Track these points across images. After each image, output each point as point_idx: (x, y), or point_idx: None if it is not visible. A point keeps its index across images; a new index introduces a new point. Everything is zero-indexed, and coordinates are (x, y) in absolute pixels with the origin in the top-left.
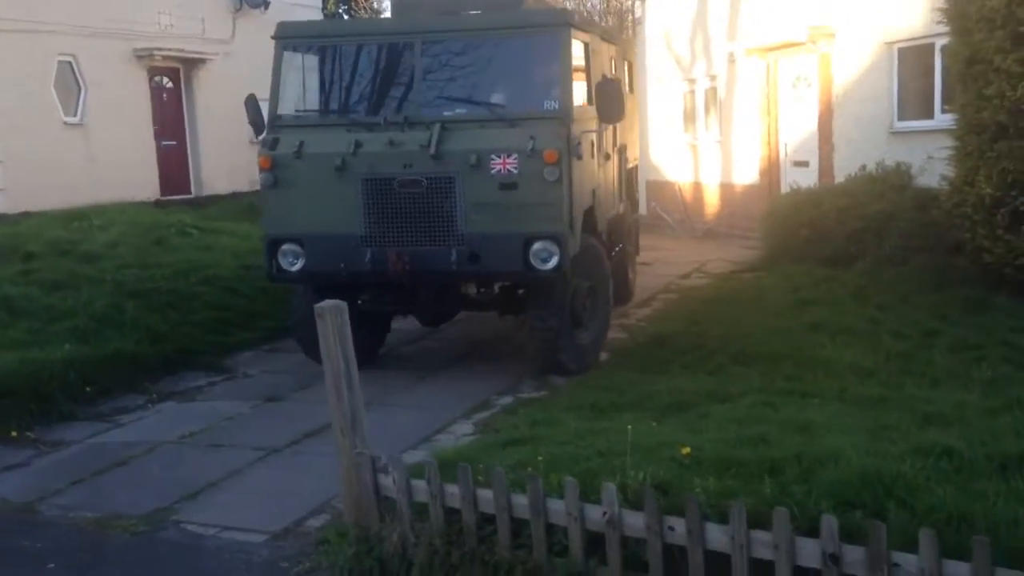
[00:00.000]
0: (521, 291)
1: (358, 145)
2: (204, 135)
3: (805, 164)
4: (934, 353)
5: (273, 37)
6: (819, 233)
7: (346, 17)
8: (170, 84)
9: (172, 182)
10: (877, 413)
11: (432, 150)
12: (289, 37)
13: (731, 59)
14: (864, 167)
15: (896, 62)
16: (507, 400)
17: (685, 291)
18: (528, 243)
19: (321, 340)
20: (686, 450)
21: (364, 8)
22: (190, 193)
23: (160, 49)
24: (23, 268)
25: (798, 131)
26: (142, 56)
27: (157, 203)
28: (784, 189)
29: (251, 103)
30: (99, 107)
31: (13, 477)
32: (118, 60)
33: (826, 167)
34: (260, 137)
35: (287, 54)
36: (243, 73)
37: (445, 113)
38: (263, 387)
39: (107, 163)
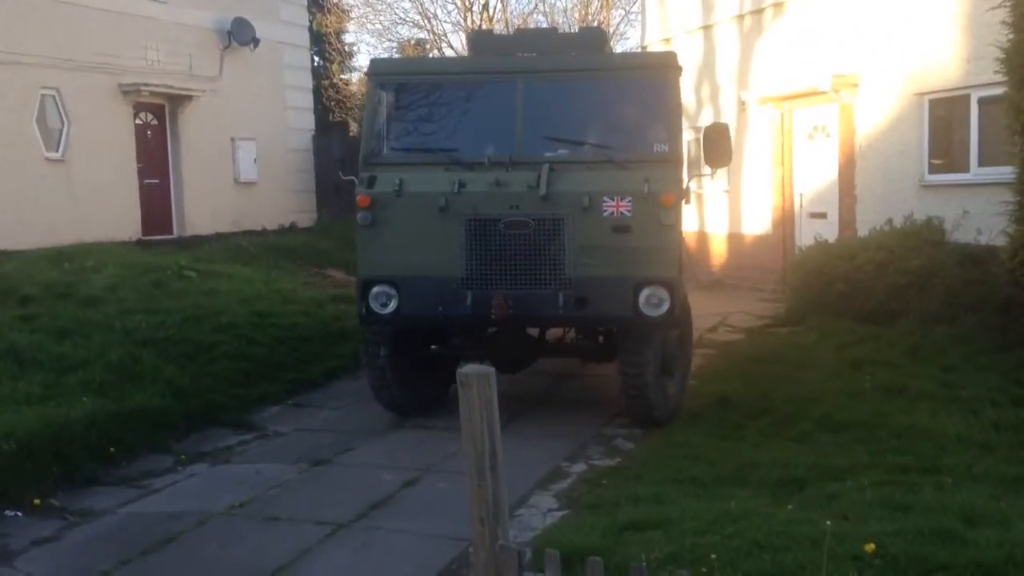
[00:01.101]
0: (600, 337)
1: (462, 185)
2: (188, 174)
3: (823, 216)
4: None
5: (367, 74)
6: (856, 288)
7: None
8: (155, 121)
9: (154, 222)
10: None
11: (542, 191)
12: (383, 74)
13: (742, 107)
14: (891, 220)
15: (927, 113)
16: (580, 467)
17: (721, 347)
18: (638, 288)
19: (463, 412)
20: (870, 547)
21: (337, 50)
22: (172, 233)
23: (146, 84)
24: (22, 313)
25: (814, 182)
26: (128, 91)
27: (139, 243)
28: (799, 241)
29: (337, 139)
30: (82, 143)
31: (44, 554)
32: (103, 95)
33: (847, 219)
34: (345, 177)
35: (380, 91)
36: (230, 111)
37: (549, 154)
38: (302, 448)
39: (89, 201)
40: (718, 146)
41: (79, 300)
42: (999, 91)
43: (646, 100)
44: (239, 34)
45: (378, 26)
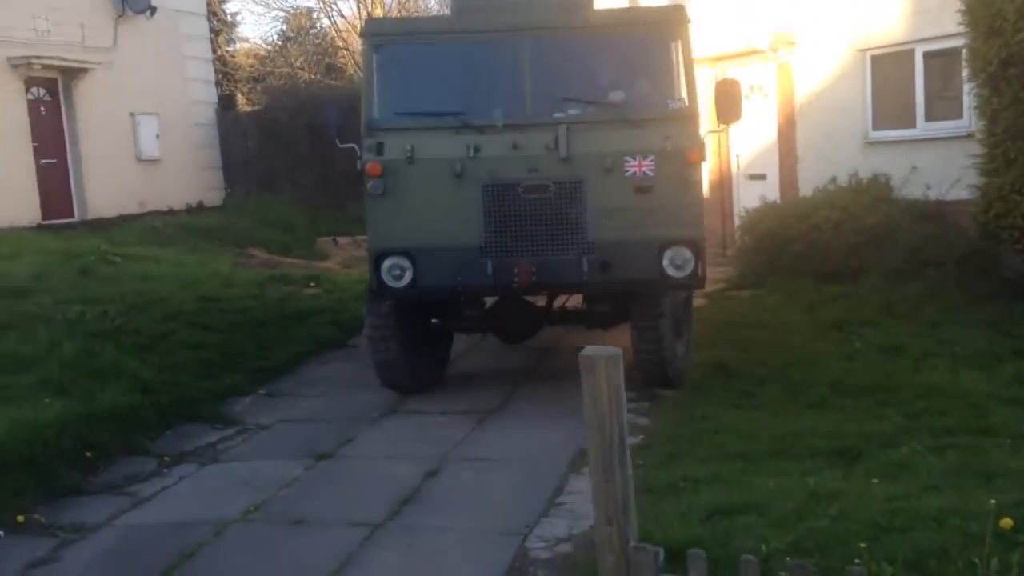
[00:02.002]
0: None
1: (477, 149)
2: (87, 153)
3: (762, 177)
4: None
5: (362, 35)
6: (813, 248)
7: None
8: (48, 97)
9: (53, 205)
10: None
11: (562, 153)
12: (380, 34)
13: None
14: (834, 179)
15: (870, 70)
16: (630, 406)
17: None
18: (662, 249)
19: (588, 399)
20: (1007, 522)
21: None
22: (73, 216)
23: (38, 57)
24: None
25: (752, 143)
26: (17, 65)
27: (40, 228)
28: (738, 203)
29: (329, 108)
30: None
31: None
32: None
33: (789, 180)
34: (342, 145)
35: (378, 53)
36: (128, 84)
37: (559, 114)
38: (294, 441)
39: None
40: (730, 101)
41: (6, 291)
42: (946, 44)
43: (659, 55)
44: (133, 1)
45: None
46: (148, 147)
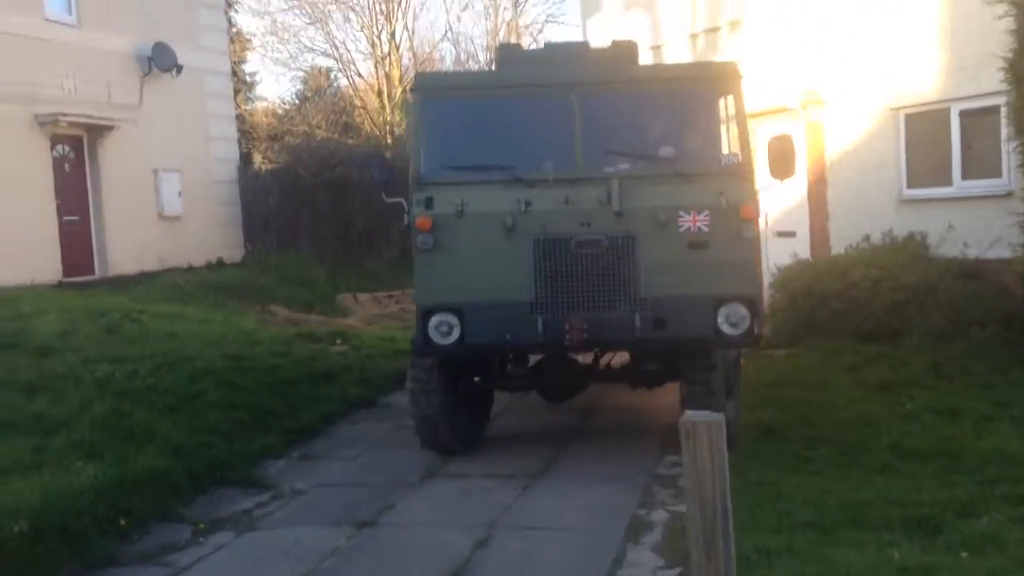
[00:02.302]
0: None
1: (528, 203)
2: (110, 209)
3: (791, 234)
4: None
5: (412, 89)
6: (851, 306)
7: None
8: (73, 154)
9: (75, 262)
10: None
11: (615, 207)
12: (430, 89)
13: None
14: (867, 237)
15: (903, 128)
16: (660, 515)
17: None
18: (717, 306)
19: (689, 468)
20: None
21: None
22: (94, 273)
23: (64, 115)
24: None
25: (780, 201)
26: (44, 122)
27: (61, 285)
28: (767, 260)
29: (380, 161)
30: None
31: None
32: (17, 126)
33: (820, 238)
34: (389, 200)
35: (427, 107)
36: (152, 141)
37: (610, 169)
38: (332, 508)
39: (5, 241)
40: (784, 157)
41: (32, 350)
42: (984, 103)
43: (711, 110)
44: (160, 60)
45: (284, 55)
46: (170, 204)
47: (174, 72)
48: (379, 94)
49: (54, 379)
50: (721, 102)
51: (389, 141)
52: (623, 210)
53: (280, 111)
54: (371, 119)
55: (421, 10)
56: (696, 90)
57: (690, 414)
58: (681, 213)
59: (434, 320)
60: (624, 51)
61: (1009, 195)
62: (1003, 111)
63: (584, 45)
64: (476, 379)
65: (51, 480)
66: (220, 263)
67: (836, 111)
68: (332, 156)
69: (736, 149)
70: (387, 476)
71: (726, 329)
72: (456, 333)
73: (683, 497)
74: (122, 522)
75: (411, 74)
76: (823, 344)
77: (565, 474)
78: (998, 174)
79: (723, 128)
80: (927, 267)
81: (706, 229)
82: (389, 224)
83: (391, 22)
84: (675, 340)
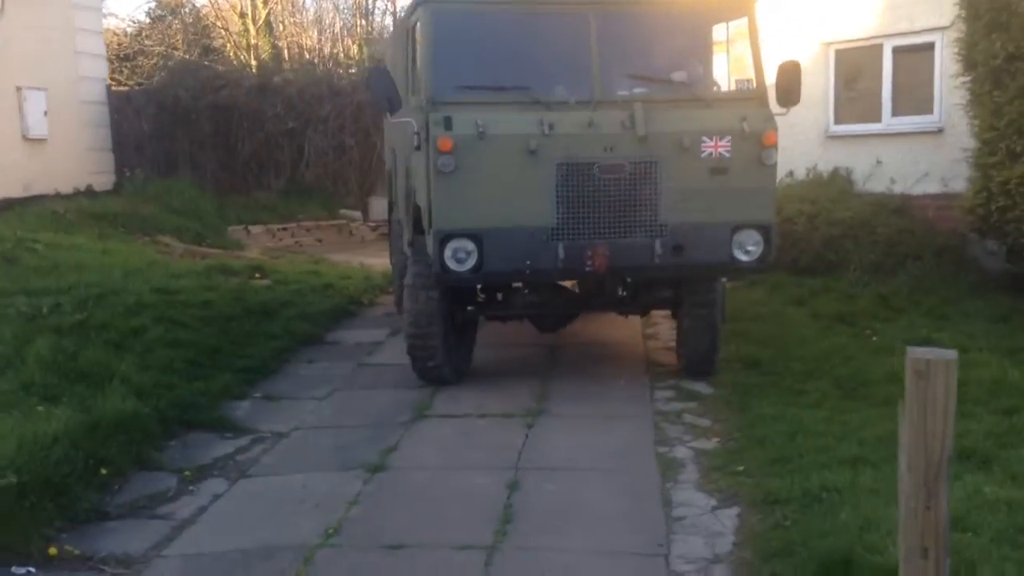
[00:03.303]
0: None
1: (551, 126)
2: None
3: None
4: None
5: (420, 3)
6: (788, 240)
7: None
8: None
9: None
10: None
11: (640, 131)
12: (440, 3)
13: None
14: (791, 173)
15: (833, 63)
16: (684, 452)
17: None
18: (734, 232)
19: (913, 409)
20: None
21: None
22: None
23: None
24: None
25: None
26: None
27: None
28: None
29: (381, 75)
30: None
31: None
32: None
33: None
34: (395, 119)
35: (438, 23)
36: (15, 56)
37: (623, 92)
38: (326, 451)
39: None
40: (791, 84)
41: None
42: (917, 39)
43: (727, 35)
44: None
45: None
46: (36, 125)
47: None
48: (242, 16)
49: None
50: (737, 27)
51: (253, 64)
52: (647, 134)
53: (130, 30)
54: (234, 42)
55: None
56: (712, 15)
57: (919, 351)
58: (704, 138)
59: (451, 246)
60: None
61: (940, 132)
62: (938, 48)
63: None
64: (469, 308)
65: (17, 426)
66: (90, 190)
67: (769, 45)
68: (217, 78)
69: (751, 75)
70: (371, 417)
71: (741, 255)
72: (473, 260)
73: (696, 433)
74: (102, 471)
75: None
76: (763, 278)
77: (563, 412)
78: (929, 111)
79: (740, 53)
80: (857, 202)
81: (727, 155)
82: (276, 152)
83: None
84: (692, 266)
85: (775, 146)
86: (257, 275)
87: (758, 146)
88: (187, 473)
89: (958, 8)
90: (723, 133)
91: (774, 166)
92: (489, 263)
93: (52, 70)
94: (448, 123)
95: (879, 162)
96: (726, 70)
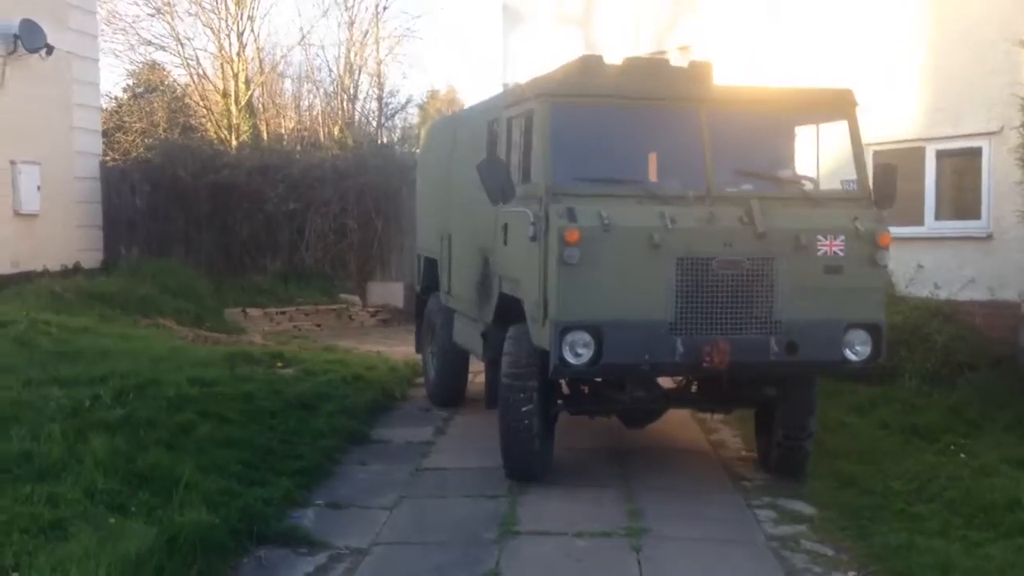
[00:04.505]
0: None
1: (673, 220)
2: None
3: None
4: None
5: (539, 94)
6: None
7: None
8: None
9: None
10: None
11: (759, 228)
12: (558, 95)
13: None
14: None
15: (871, 164)
16: (786, 528)
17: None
18: (846, 331)
19: None
20: None
21: None
22: None
23: None
24: None
25: None
26: None
27: None
28: None
29: (496, 164)
30: None
31: None
32: None
33: None
34: (504, 207)
35: (555, 114)
36: (12, 129)
37: (732, 189)
38: (418, 571)
39: None
40: (888, 185)
41: None
42: (963, 144)
43: (831, 135)
44: (29, 39)
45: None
46: (28, 200)
47: (43, 53)
48: (224, 95)
49: (9, 406)
50: (839, 128)
51: (233, 144)
52: (766, 231)
53: (109, 106)
54: (214, 120)
55: (270, 11)
56: (816, 114)
57: None
58: (819, 237)
59: (570, 338)
60: (701, 72)
61: (989, 237)
62: (985, 153)
63: (664, 63)
64: (559, 402)
65: (97, 547)
66: (77, 268)
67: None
68: (217, 156)
69: (854, 175)
70: (454, 532)
71: (852, 355)
72: (590, 352)
73: (824, 564)
74: None
75: (259, 77)
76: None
77: (666, 534)
78: (976, 216)
79: (846, 155)
80: (904, 307)
81: (841, 254)
82: (276, 233)
83: (240, 22)
84: (804, 364)
85: (888, 247)
86: (279, 364)
87: (872, 246)
88: None
89: (1022, 113)
90: (837, 232)
91: (886, 267)
92: (608, 356)
93: (48, 144)
94: (572, 214)
95: (920, 266)
96: (816, 169)
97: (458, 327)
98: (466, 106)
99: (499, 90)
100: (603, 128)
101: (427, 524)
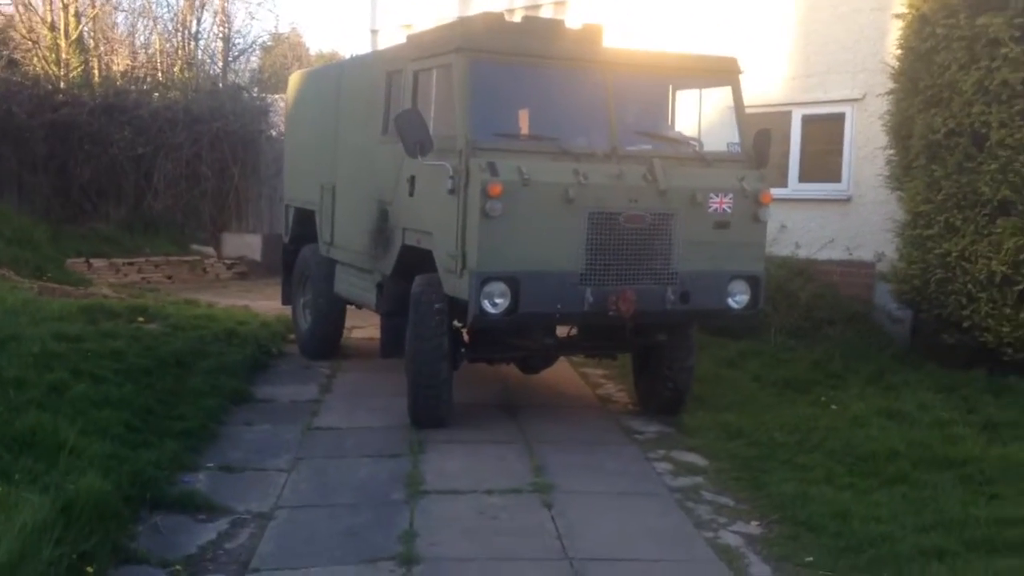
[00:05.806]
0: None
1: (586, 176)
2: None
3: None
4: None
5: (458, 49)
6: None
7: None
8: None
9: None
10: None
11: (661, 185)
12: (477, 51)
13: None
14: None
15: None
16: (732, 539)
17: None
18: (730, 282)
19: None
20: None
21: None
22: None
23: None
24: None
25: None
26: None
27: None
28: None
29: (413, 117)
30: None
31: None
32: None
33: None
34: (423, 160)
35: (474, 70)
36: None
37: (632, 148)
38: (333, 537)
39: None
40: (765, 149)
41: None
42: (828, 109)
43: (717, 100)
44: None
45: None
46: None
47: None
48: (52, 28)
49: None
50: (726, 94)
51: (62, 84)
52: (667, 189)
53: None
54: (42, 55)
55: None
56: (705, 80)
57: None
58: (711, 195)
59: (487, 288)
60: (593, 33)
61: (849, 200)
62: (848, 118)
63: (559, 23)
64: (462, 350)
65: None
66: None
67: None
68: (55, 93)
69: (740, 139)
70: (358, 492)
71: (734, 304)
72: (507, 302)
73: (727, 514)
74: (88, 570)
75: (91, 10)
76: None
77: (572, 487)
78: (837, 179)
79: (729, 118)
80: (770, 265)
81: (729, 211)
82: (120, 178)
83: None
84: (695, 312)
85: (769, 204)
86: (141, 319)
87: (755, 204)
88: (177, 567)
89: (891, 81)
90: (727, 191)
91: (766, 223)
92: (524, 305)
93: None
94: (493, 168)
95: (783, 226)
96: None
97: (342, 278)
98: (312, 51)
99: (395, 39)
100: (517, 85)
101: (330, 486)
